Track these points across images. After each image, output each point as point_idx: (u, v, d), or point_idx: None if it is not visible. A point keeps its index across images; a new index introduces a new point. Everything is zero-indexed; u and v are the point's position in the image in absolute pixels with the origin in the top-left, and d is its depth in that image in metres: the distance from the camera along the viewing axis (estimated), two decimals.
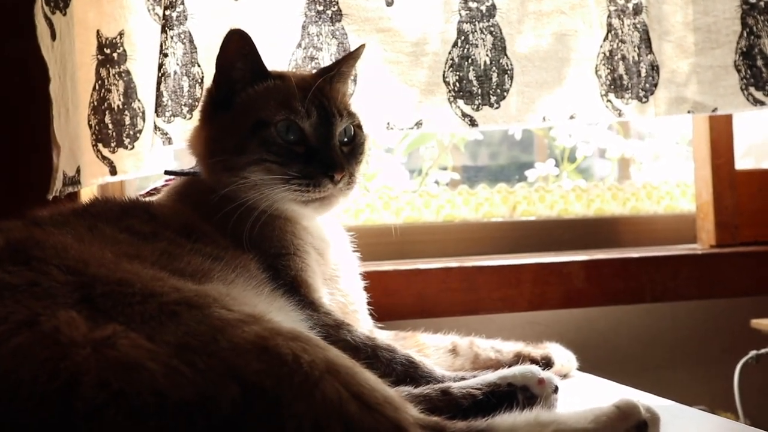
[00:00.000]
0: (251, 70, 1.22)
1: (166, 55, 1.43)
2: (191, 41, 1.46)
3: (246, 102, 1.22)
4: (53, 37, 1.32)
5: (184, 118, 1.48)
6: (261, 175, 1.17)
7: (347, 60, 1.32)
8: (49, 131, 1.31)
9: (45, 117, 1.31)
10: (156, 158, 1.56)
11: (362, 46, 1.35)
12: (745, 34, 1.69)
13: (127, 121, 1.51)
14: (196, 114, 1.35)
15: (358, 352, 1.04)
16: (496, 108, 1.57)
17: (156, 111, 1.44)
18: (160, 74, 1.43)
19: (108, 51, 1.49)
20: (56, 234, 0.95)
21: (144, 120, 1.52)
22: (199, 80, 1.48)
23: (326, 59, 1.50)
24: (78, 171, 1.42)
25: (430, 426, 0.81)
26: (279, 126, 1.18)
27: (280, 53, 1.52)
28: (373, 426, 0.75)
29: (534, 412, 0.81)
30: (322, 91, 1.23)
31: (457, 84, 1.56)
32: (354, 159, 1.25)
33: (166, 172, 1.38)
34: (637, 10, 1.66)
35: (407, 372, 1.06)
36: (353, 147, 1.25)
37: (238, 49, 1.21)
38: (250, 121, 1.20)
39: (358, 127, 1.28)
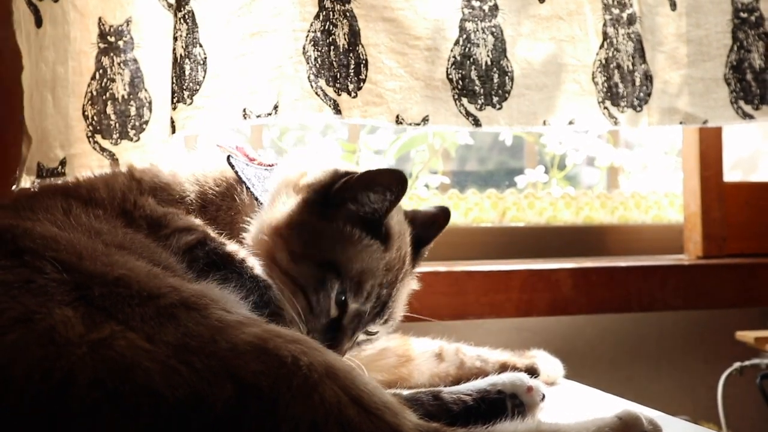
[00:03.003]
0: (371, 215, 1.11)
1: (176, 39, 1.35)
2: (194, 20, 1.37)
3: (341, 234, 1.11)
4: (38, 24, 1.29)
5: (185, 103, 1.40)
6: (288, 291, 1.08)
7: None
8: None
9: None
10: (166, 149, 1.49)
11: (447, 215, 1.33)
12: (735, 48, 1.71)
13: (133, 111, 1.46)
14: (299, 173, 1.20)
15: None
16: (499, 109, 1.55)
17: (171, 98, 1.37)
18: (173, 59, 1.37)
19: (112, 39, 1.44)
20: (36, 221, 0.93)
21: (151, 111, 1.47)
22: (201, 62, 1.40)
23: (339, 36, 1.44)
24: (63, 163, 1.39)
25: None
26: (342, 286, 1.09)
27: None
28: (372, 431, 0.74)
29: (535, 421, 0.81)
30: (397, 287, 1.17)
31: (460, 82, 1.54)
32: (359, 345, 1.19)
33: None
34: (631, 20, 1.66)
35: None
36: (369, 340, 1.20)
37: (386, 186, 1.09)
38: (328, 256, 1.09)
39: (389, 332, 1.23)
